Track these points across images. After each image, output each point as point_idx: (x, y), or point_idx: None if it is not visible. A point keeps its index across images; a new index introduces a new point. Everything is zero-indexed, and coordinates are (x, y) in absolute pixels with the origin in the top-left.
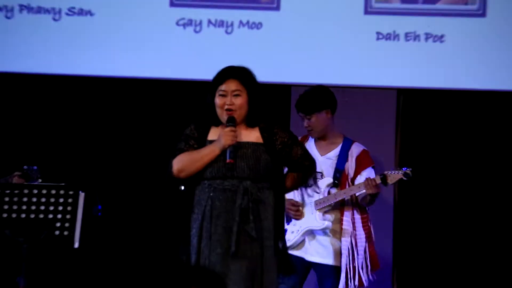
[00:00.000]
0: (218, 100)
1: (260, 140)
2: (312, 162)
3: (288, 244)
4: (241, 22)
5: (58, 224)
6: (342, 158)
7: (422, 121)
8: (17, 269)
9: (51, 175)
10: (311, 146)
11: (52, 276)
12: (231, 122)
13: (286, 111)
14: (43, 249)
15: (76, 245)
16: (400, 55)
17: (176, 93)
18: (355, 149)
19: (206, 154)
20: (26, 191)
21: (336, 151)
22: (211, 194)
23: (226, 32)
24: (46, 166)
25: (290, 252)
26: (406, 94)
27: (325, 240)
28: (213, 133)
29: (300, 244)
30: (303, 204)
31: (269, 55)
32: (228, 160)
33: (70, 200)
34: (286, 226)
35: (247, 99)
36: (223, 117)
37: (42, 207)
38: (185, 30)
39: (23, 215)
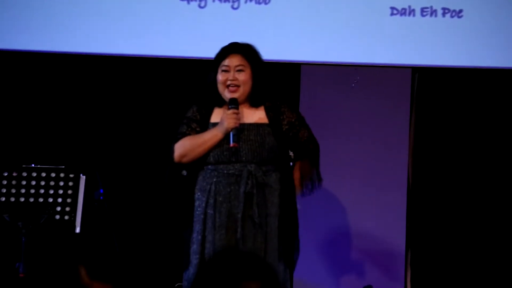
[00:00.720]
0: (220, 76)
1: (265, 121)
2: (316, 146)
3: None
4: None
5: (58, 209)
6: None
7: (439, 101)
8: (17, 255)
9: (50, 157)
10: None
11: (52, 263)
12: (233, 104)
13: (295, 92)
14: (43, 234)
15: (78, 230)
16: (416, 32)
17: (179, 72)
18: None
19: (209, 138)
20: (24, 174)
21: None
22: (215, 180)
23: (232, 7)
24: (45, 148)
25: None
26: (421, 72)
27: None
28: (216, 115)
29: None
30: None
31: (277, 32)
32: (232, 144)
33: (70, 184)
34: None
35: (251, 75)
36: (226, 94)
37: (42, 191)
38: (189, 5)
39: (22, 199)
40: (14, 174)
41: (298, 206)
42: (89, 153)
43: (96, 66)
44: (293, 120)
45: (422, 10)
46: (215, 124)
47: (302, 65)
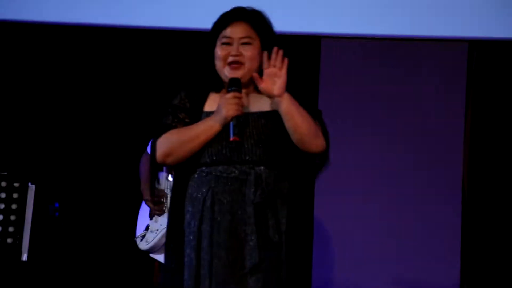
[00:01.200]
0: (219, 50)
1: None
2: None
3: (146, 246)
4: None
5: None
6: None
7: (500, 80)
8: None
9: None
10: None
11: None
12: (235, 85)
13: (314, 70)
14: None
15: (25, 257)
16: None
17: (166, 47)
18: None
19: (203, 131)
20: None
21: None
22: (212, 185)
23: None
24: None
25: (151, 255)
26: (480, 46)
27: None
28: (212, 102)
29: (162, 248)
30: (167, 195)
31: None
32: (232, 138)
33: (15, 195)
34: (148, 222)
35: (260, 50)
36: (225, 73)
37: None
38: None
39: None
40: None
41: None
42: (40, 156)
43: (52, 43)
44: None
45: None
46: (210, 114)
47: (323, 38)
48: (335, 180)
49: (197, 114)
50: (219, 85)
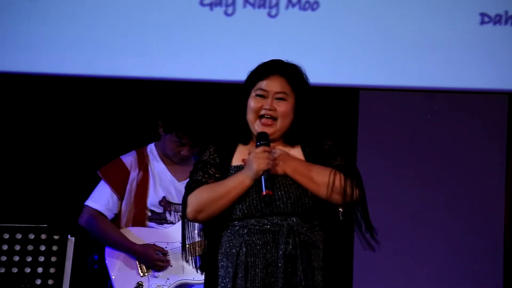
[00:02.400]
0: (253, 102)
1: (302, 158)
2: (355, 175)
3: None
4: (290, 0)
5: (38, 282)
6: None
7: None
8: None
9: (28, 213)
10: (163, 170)
11: None
12: (263, 139)
13: (353, 123)
14: None
15: None
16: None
17: (200, 98)
18: None
19: (234, 186)
20: None
21: None
22: (245, 238)
23: (269, 14)
24: (23, 202)
25: None
26: None
27: None
28: (240, 155)
29: None
30: (165, 250)
31: (328, 47)
32: (265, 192)
33: (55, 248)
34: (139, 279)
35: (294, 107)
36: (256, 127)
37: (16, 258)
38: (212, 11)
39: None
40: None
41: None
42: (79, 208)
43: (88, 99)
44: (334, 150)
45: None
46: (238, 168)
47: (361, 90)
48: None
49: (226, 169)
50: (247, 137)
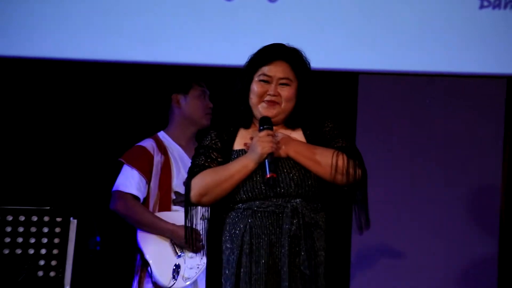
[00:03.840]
0: (257, 87)
1: (303, 141)
2: (357, 156)
3: (186, 283)
4: None
5: (42, 262)
6: None
7: None
8: None
9: (32, 196)
10: (181, 152)
11: None
12: (266, 123)
13: (352, 107)
14: None
15: None
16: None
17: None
18: None
19: (237, 170)
20: None
21: None
22: (249, 221)
23: None
24: (26, 185)
25: None
26: None
27: None
28: (241, 139)
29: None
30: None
31: (327, 31)
32: (268, 175)
33: (57, 230)
34: (176, 261)
35: (296, 92)
36: (259, 109)
37: (20, 239)
38: None
39: None
40: None
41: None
42: (82, 190)
43: (97, 84)
44: (335, 132)
45: None
46: (240, 152)
47: (361, 74)
48: (371, 211)
49: (227, 153)
50: (248, 121)
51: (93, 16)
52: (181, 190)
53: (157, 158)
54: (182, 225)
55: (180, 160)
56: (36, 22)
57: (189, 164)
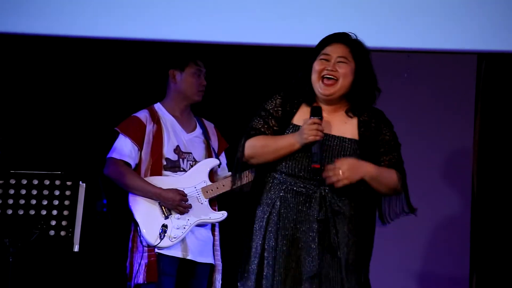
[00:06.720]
0: (317, 65)
1: (355, 137)
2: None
3: (171, 242)
4: None
5: (53, 223)
6: (207, 135)
7: (508, 91)
8: (3, 277)
9: (44, 161)
10: (173, 122)
11: (46, 286)
12: (316, 113)
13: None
14: (34, 254)
15: (76, 248)
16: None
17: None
18: (209, 125)
19: (283, 146)
20: (12, 181)
21: (198, 128)
22: (281, 194)
23: None
24: (38, 150)
25: (164, 252)
26: (489, 59)
27: (203, 235)
28: (301, 114)
29: (179, 242)
30: (185, 194)
31: (310, 9)
32: (313, 165)
33: (68, 193)
34: (163, 222)
35: (353, 70)
36: (318, 88)
37: (33, 201)
38: None
39: (10, 211)
40: (0, 181)
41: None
42: (90, 157)
43: (103, 58)
44: (392, 143)
45: None
46: (296, 128)
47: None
48: None
49: (285, 124)
50: (311, 98)
51: None
52: (172, 156)
53: (149, 128)
54: (169, 189)
55: (172, 130)
56: None
57: (181, 134)
